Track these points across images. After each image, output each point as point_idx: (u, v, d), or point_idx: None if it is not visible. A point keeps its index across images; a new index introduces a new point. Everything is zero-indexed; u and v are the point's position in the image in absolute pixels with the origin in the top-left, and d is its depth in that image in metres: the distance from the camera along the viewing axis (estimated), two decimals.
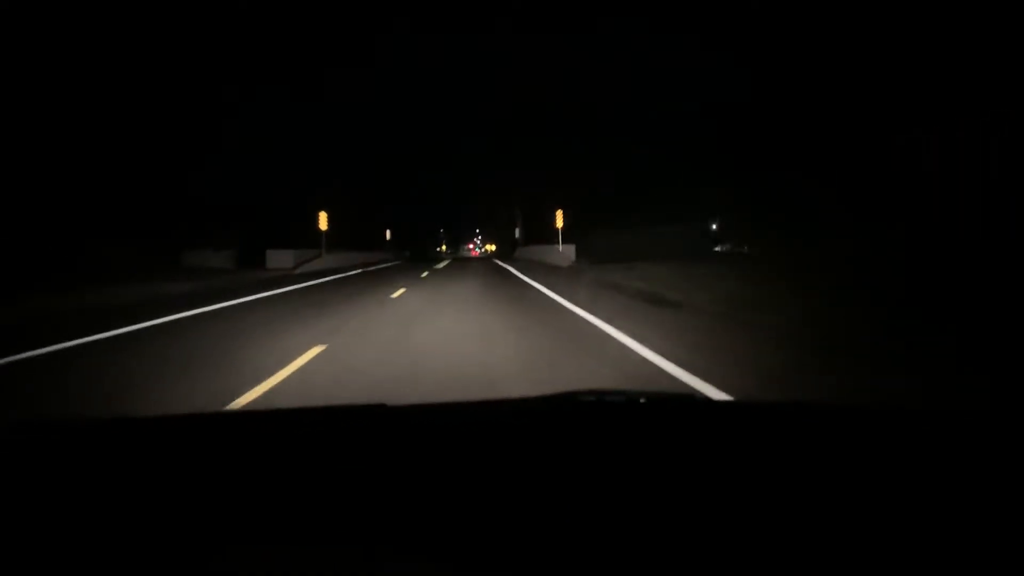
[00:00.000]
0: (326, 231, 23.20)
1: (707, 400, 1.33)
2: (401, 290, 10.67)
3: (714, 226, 24.73)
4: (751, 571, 0.54)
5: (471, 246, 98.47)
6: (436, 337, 5.19)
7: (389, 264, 28.55)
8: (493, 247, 71.24)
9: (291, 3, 30.65)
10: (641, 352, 4.27)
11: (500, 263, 24.90)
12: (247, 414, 1.36)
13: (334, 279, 15.09)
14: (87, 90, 18.77)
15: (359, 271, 19.80)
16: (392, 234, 43.19)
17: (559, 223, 23.15)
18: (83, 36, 18.55)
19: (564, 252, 22.37)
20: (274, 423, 1.07)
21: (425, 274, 17.08)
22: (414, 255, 47.44)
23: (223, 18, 24.10)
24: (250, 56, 25.49)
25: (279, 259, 21.29)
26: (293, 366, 3.95)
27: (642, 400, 1.15)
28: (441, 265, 24.86)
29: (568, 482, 0.72)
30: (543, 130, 33.19)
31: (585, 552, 0.56)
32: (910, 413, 1.06)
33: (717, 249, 22.87)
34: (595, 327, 5.56)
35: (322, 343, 4.78)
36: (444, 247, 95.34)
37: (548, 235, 32.63)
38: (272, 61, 27.43)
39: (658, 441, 0.91)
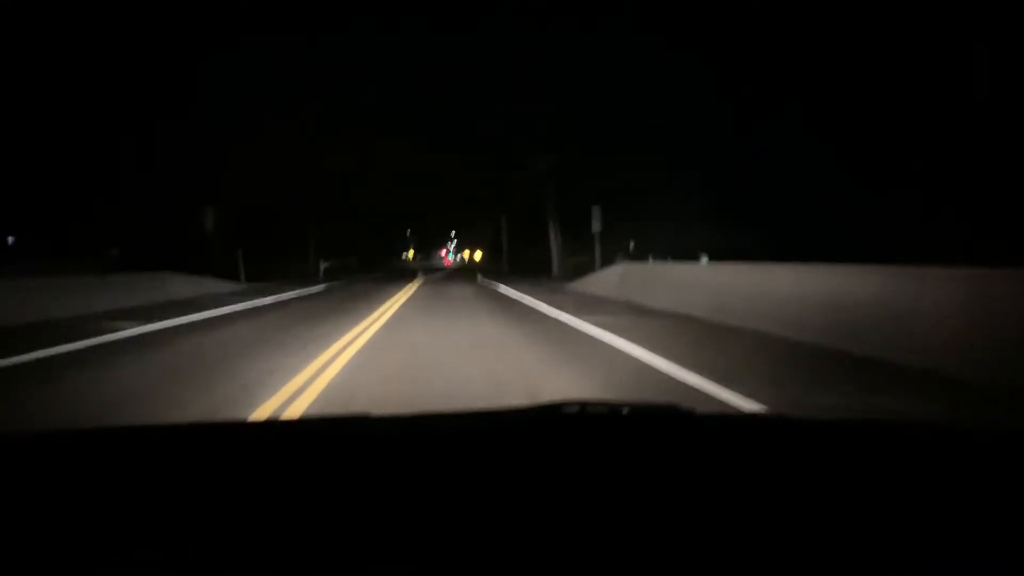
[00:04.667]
0: None
1: (691, 411, 1.09)
2: None
3: None
4: None
5: (444, 252, 79.96)
6: None
7: None
8: (478, 255, 52.53)
9: None
10: None
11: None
12: (227, 426, 1.07)
13: None
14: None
15: None
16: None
17: None
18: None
19: None
20: (254, 436, 1.01)
21: None
22: (332, 272, 25.74)
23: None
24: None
25: None
26: None
27: (624, 411, 1.13)
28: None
29: (547, 496, 0.70)
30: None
31: (564, 567, 0.54)
32: (903, 426, 1.09)
33: None
34: None
35: None
36: (412, 253, 77.11)
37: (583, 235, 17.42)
38: None
39: (637, 454, 0.89)
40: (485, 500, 0.68)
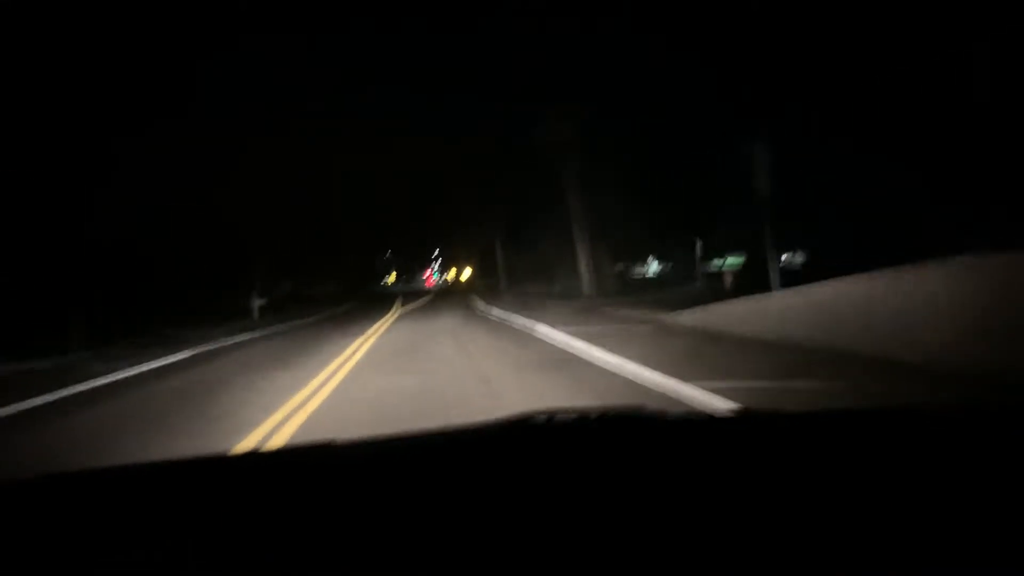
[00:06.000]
0: None
1: (659, 413, 1.16)
2: None
3: None
4: None
5: (427, 273, 78.70)
6: None
7: None
8: (466, 273, 51.39)
9: None
10: None
11: None
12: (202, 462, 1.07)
13: None
14: None
15: None
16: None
17: None
18: None
19: None
20: (226, 470, 1.03)
21: None
22: (273, 310, 21.57)
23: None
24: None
25: None
26: None
27: (592, 416, 1.14)
28: None
29: (515, 507, 0.70)
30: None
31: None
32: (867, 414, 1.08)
33: None
34: None
35: None
36: (392, 277, 75.77)
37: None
38: None
39: (604, 459, 0.89)
40: (457, 514, 0.68)
